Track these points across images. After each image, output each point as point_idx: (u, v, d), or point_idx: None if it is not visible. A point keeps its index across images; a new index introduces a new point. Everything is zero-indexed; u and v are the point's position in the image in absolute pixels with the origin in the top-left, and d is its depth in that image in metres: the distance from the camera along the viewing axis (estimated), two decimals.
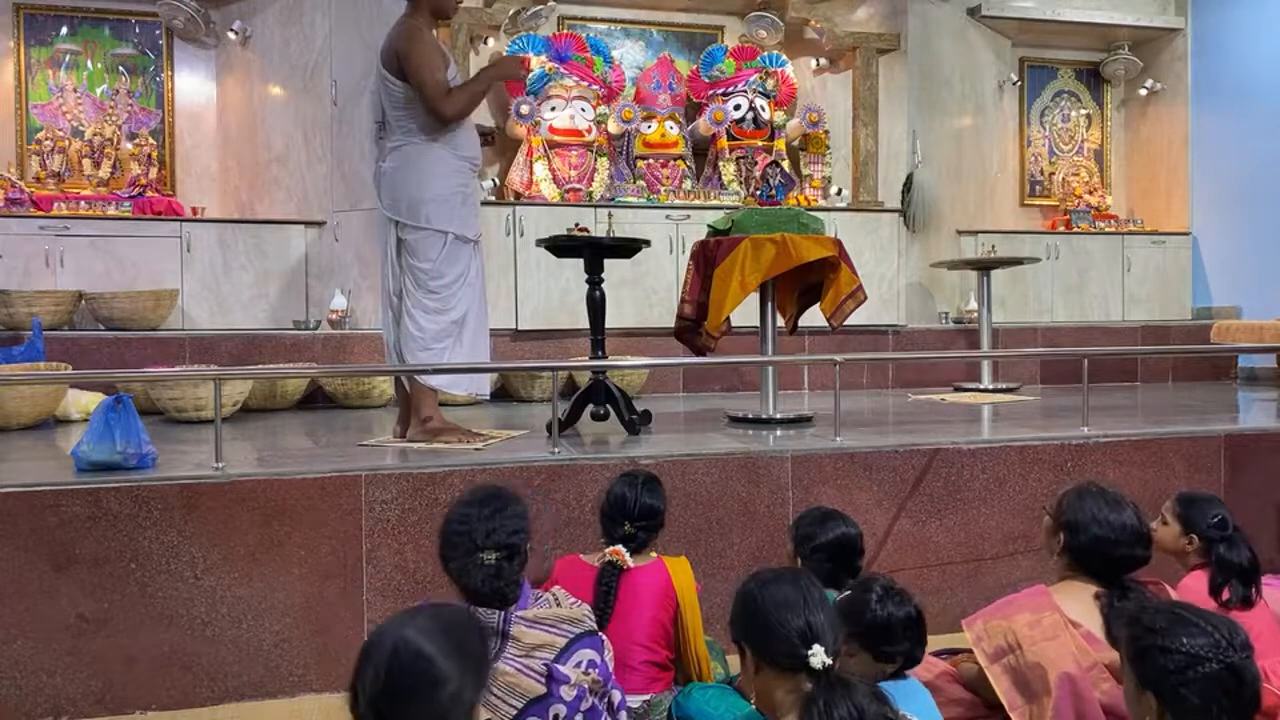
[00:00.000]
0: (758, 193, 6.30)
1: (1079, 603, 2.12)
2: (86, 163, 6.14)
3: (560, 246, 3.84)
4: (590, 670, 1.86)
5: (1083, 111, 7.74)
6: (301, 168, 6.03)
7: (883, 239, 6.28)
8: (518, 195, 6.02)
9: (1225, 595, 2.20)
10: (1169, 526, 2.42)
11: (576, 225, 4.11)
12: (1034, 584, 2.24)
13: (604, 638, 1.97)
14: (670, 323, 4.36)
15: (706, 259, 3.90)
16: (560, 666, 1.81)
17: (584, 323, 3.84)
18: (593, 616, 1.97)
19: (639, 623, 2.22)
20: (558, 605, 1.93)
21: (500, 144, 6.10)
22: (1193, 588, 2.29)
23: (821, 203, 6.43)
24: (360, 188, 5.64)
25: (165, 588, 2.57)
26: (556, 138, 6.12)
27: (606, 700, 1.93)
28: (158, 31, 6.38)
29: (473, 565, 1.84)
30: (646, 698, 2.18)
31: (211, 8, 6.30)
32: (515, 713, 1.76)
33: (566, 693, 1.80)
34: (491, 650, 1.79)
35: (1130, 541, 2.10)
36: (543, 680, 1.79)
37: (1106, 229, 7.22)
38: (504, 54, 6.20)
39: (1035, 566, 3.14)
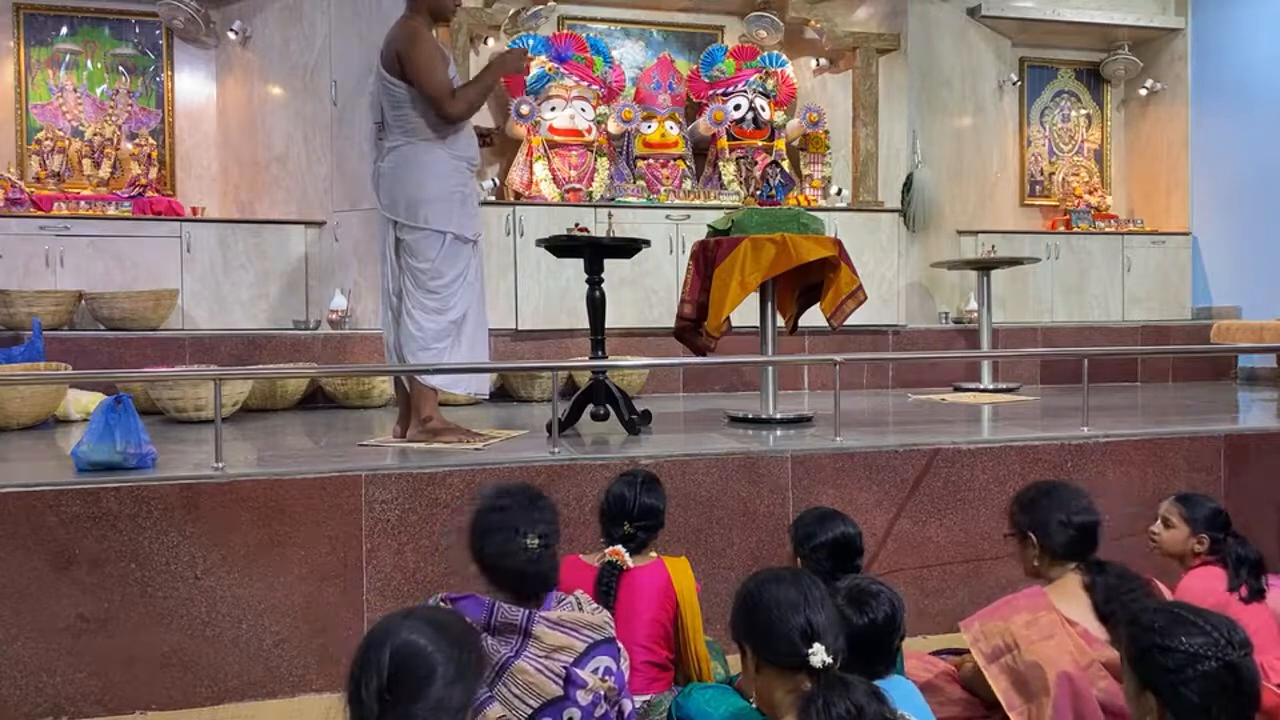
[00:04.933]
0: (758, 193, 6.30)
1: (1076, 601, 2.13)
2: (86, 163, 6.14)
3: (560, 246, 3.85)
4: (607, 677, 1.86)
5: (1083, 111, 7.74)
6: (301, 168, 6.03)
7: (883, 239, 6.27)
8: (518, 195, 6.02)
9: (1244, 591, 2.22)
10: (1175, 529, 2.42)
11: (576, 225, 4.11)
12: (1032, 585, 2.25)
13: (621, 647, 1.96)
14: (670, 323, 4.36)
15: (706, 259, 3.89)
16: (579, 671, 1.81)
17: (584, 323, 3.84)
18: (612, 624, 1.97)
19: (639, 623, 2.22)
20: (580, 609, 1.93)
21: (500, 144, 6.10)
22: (1194, 587, 2.29)
23: (821, 203, 6.43)
24: (360, 188, 5.64)
25: (165, 588, 2.57)
26: (556, 138, 6.12)
27: (618, 709, 1.93)
28: (158, 31, 6.38)
29: (516, 548, 1.85)
30: (647, 698, 2.18)
31: (211, 8, 6.30)
32: (530, 713, 1.76)
33: (582, 697, 1.80)
34: (511, 648, 1.79)
35: (1086, 508, 2.23)
36: (560, 683, 1.79)
37: (1106, 229, 7.22)
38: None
39: None
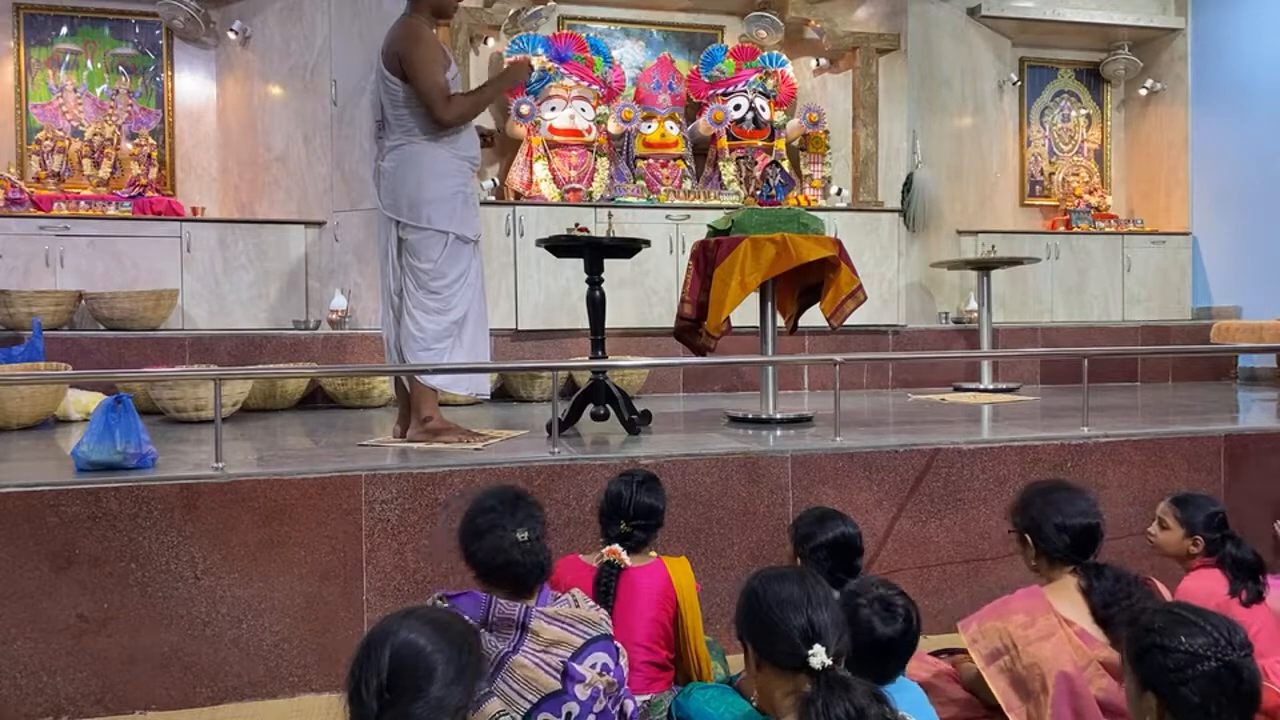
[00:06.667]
0: (758, 193, 6.30)
1: (1072, 601, 2.13)
2: (86, 163, 6.14)
3: (560, 246, 3.84)
4: (605, 673, 1.87)
5: (1083, 111, 7.74)
6: (301, 168, 6.03)
7: (883, 239, 6.28)
8: (518, 195, 6.02)
9: (1244, 596, 2.22)
10: (1170, 530, 2.42)
11: (576, 225, 4.11)
12: (1030, 584, 2.25)
13: (620, 646, 1.98)
14: (670, 323, 4.36)
15: (706, 259, 3.90)
16: (576, 665, 1.83)
17: (584, 323, 3.84)
18: (609, 621, 1.98)
19: (638, 623, 2.22)
20: (576, 606, 1.95)
21: (500, 144, 6.10)
22: (1193, 589, 2.29)
23: (821, 203, 6.43)
24: (360, 188, 5.64)
25: (165, 588, 2.57)
26: (556, 138, 6.12)
27: (619, 708, 1.94)
28: (158, 31, 6.38)
29: (508, 543, 1.90)
30: (646, 698, 2.18)
31: (211, 8, 6.30)
32: (530, 707, 1.78)
33: (581, 691, 1.82)
34: (509, 643, 1.81)
35: (1082, 511, 2.19)
36: (558, 677, 1.81)
37: (1106, 229, 7.22)
38: (504, 54, 6.21)
39: None
